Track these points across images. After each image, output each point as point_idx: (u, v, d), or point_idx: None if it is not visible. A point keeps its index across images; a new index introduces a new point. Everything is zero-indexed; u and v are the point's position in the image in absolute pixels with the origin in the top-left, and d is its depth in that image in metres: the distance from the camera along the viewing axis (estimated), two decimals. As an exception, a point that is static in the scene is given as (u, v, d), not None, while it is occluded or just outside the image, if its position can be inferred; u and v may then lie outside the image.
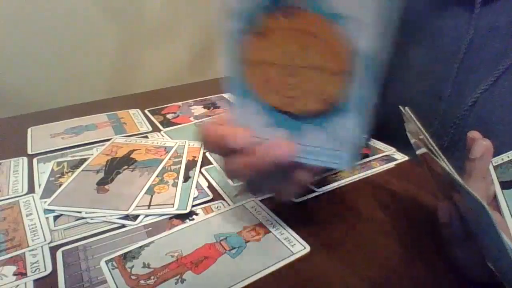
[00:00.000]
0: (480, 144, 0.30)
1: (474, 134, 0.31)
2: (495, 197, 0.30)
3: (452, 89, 0.46)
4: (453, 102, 0.46)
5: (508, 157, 0.31)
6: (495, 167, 0.31)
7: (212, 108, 0.66)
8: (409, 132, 0.35)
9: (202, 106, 0.67)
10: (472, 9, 0.45)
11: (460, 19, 0.46)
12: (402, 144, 0.36)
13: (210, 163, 0.49)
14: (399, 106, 0.34)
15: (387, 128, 0.46)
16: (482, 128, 0.44)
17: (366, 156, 0.49)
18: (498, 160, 0.32)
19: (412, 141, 0.35)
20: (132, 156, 0.50)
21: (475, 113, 0.44)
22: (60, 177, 0.46)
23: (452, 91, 0.46)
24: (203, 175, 0.46)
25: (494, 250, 0.26)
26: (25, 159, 0.50)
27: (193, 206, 0.40)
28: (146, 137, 0.56)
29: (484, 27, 0.44)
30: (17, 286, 0.31)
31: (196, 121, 0.61)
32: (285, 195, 0.37)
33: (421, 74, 0.50)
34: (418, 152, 0.34)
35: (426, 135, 0.31)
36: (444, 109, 0.47)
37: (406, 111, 0.34)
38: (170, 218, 0.39)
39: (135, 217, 0.39)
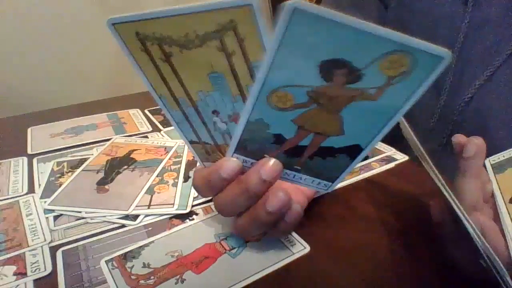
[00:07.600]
0: (473, 142, 0.30)
1: (459, 138, 0.31)
2: (492, 195, 0.30)
3: (451, 83, 0.45)
4: (452, 97, 0.45)
5: (504, 156, 0.32)
6: (493, 165, 0.32)
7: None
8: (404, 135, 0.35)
9: (202, 106, 0.67)
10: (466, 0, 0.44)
11: (456, 8, 0.45)
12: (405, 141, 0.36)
13: (210, 163, 0.49)
14: None
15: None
16: (480, 123, 0.43)
17: (366, 157, 0.49)
18: (495, 158, 0.32)
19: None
20: (132, 156, 0.50)
21: (472, 109, 0.44)
22: (60, 177, 0.46)
23: (451, 85, 0.45)
24: (203, 175, 0.46)
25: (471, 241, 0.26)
26: (25, 159, 0.50)
27: (193, 206, 0.40)
28: (146, 137, 0.56)
29: (478, 19, 0.43)
30: (17, 286, 0.31)
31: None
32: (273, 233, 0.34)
33: None
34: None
35: (414, 136, 0.31)
36: (443, 104, 0.46)
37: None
38: (170, 218, 0.39)
39: (135, 217, 0.39)
